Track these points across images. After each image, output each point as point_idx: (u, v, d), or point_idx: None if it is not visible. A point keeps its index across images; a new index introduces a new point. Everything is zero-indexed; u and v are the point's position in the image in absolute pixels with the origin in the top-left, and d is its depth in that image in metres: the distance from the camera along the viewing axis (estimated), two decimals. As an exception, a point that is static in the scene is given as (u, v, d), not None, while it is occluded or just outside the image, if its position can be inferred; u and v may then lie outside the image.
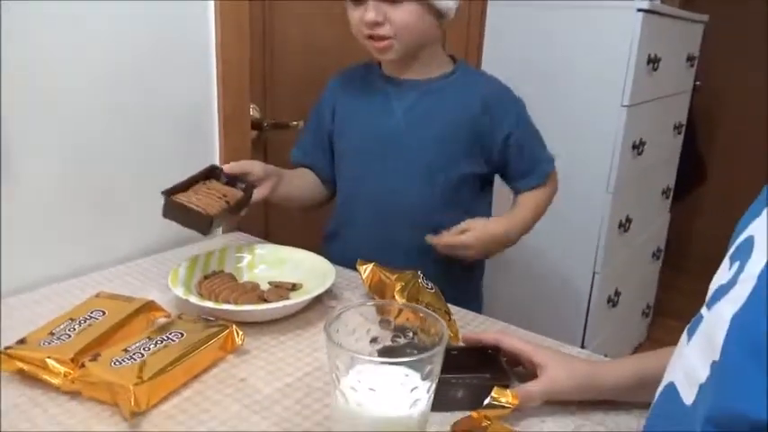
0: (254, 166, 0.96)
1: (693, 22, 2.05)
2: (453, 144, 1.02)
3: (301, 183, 1.11)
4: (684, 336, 0.48)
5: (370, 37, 0.94)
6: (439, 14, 0.97)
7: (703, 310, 0.46)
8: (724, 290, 0.44)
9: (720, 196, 2.94)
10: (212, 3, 1.11)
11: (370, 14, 0.91)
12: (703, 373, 0.41)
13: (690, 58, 2.09)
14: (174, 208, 0.85)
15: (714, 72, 2.61)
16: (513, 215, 1.07)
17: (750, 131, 2.79)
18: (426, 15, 0.95)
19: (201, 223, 0.85)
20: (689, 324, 0.48)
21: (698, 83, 2.30)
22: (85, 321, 0.72)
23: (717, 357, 0.40)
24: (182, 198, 0.86)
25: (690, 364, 0.44)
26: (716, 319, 0.42)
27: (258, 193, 0.95)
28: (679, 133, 2.21)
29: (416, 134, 1.02)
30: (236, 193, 0.92)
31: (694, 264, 3.06)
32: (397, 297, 0.80)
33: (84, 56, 0.94)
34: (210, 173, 0.93)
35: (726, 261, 0.47)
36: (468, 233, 0.99)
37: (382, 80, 1.06)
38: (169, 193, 0.85)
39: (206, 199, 0.87)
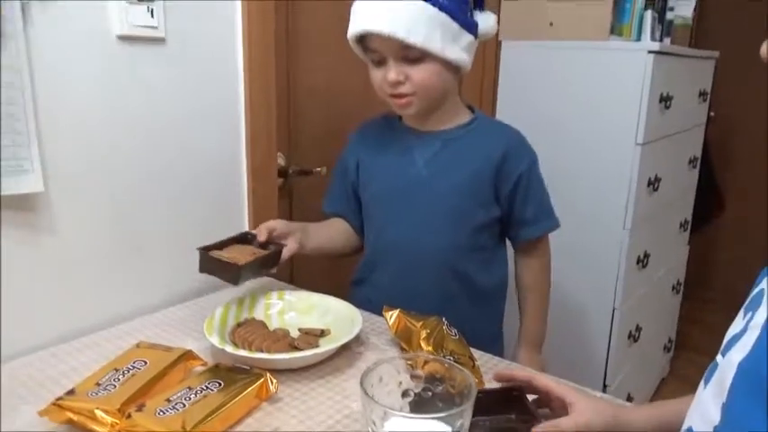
0: (277, 223, 1.02)
1: (704, 58, 2.09)
2: (475, 192, 1.05)
3: (331, 232, 1.15)
4: (702, 383, 0.51)
5: (392, 95, 0.99)
6: (456, 69, 1.01)
7: (718, 358, 0.50)
8: (736, 338, 0.47)
9: (739, 225, 2.94)
10: (241, 62, 1.18)
11: (392, 75, 0.96)
12: (716, 416, 0.45)
13: (702, 94, 2.12)
14: (208, 261, 0.94)
15: (727, 102, 2.63)
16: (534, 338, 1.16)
17: (765, 159, 2.80)
18: (444, 72, 0.99)
19: (232, 273, 0.92)
20: (706, 371, 0.51)
21: (712, 113, 2.32)
22: (129, 371, 0.76)
23: (725, 399, 0.44)
24: (215, 253, 0.94)
25: (705, 408, 0.47)
26: (727, 366, 0.46)
27: (287, 250, 1.00)
28: (694, 167, 2.23)
29: (438, 183, 1.05)
30: (265, 252, 0.99)
31: (716, 294, 3.04)
32: (423, 344, 0.83)
33: (125, 116, 1.01)
34: (243, 238, 1.01)
35: (740, 312, 0.51)
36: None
37: (403, 131, 1.10)
38: (204, 249, 0.94)
39: (237, 254, 0.95)
